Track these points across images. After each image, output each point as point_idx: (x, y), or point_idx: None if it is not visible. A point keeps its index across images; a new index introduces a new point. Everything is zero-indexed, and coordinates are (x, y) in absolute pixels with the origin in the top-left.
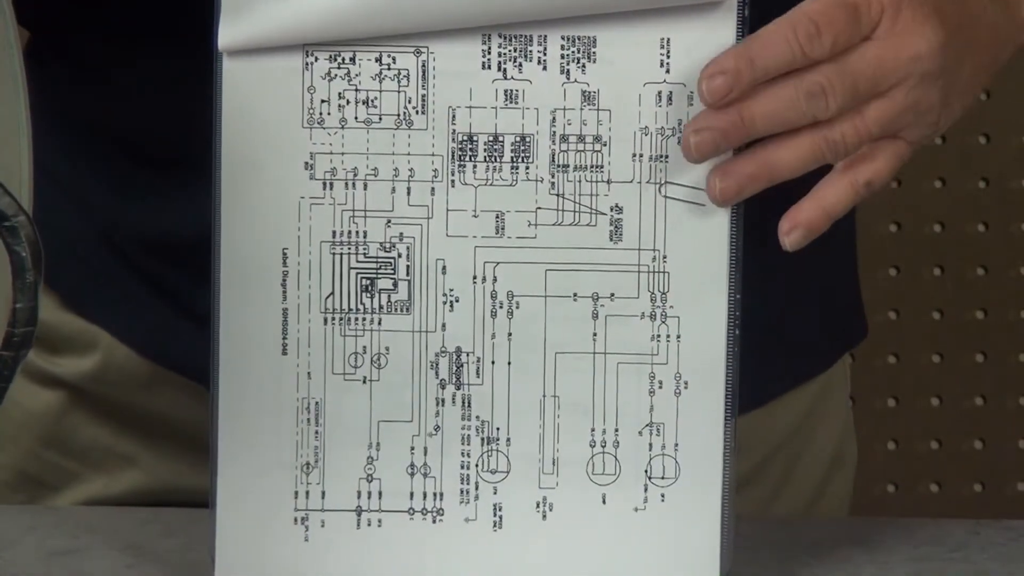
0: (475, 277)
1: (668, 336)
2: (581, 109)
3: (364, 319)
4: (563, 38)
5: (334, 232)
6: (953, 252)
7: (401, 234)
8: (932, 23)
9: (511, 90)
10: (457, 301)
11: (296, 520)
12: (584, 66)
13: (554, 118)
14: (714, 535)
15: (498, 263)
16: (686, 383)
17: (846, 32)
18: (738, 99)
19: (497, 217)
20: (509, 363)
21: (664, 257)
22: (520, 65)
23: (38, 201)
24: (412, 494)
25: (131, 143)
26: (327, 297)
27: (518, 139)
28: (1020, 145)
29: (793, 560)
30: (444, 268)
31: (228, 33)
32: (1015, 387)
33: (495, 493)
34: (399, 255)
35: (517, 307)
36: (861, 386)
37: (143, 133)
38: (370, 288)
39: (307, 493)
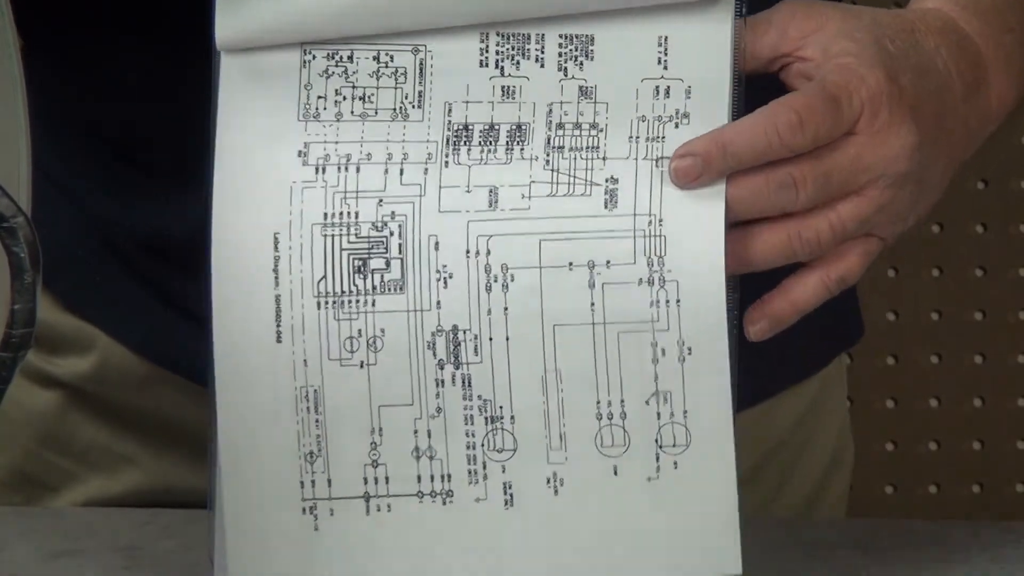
0: (468, 251)
1: (667, 301)
2: (578, 102)
3: (357, 301)
4: (561, 36)
5: (325, 214)
6: (952, 253)
7: (393, 212)
8: (908, 125)
9: (508, 86)
10: (451, 277)
11: (304, 510)
12: (582, 64)
13: (551, 109)
14: (731, 498)
15: (491, 236)
16: (689, 349)
17: (827, 125)
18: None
19: (490, 192)
20: (507, 338)
21: (660, 221)
22: (518, 63)
23: (35, 202)
24: (419, 477)
25: (126, 144)
26: (319, 281)
27: (514, 127)
28: (1019, 145)
29: (792, 561)
30: (437, 244)
31: (225, 31)
32: (1014, 388)
33: (504, 471)
34: (391, 233)
35: (512, 280)
36: (860, 387)
37: (138, 134)
38: (362, 269)
39: (313, 482)
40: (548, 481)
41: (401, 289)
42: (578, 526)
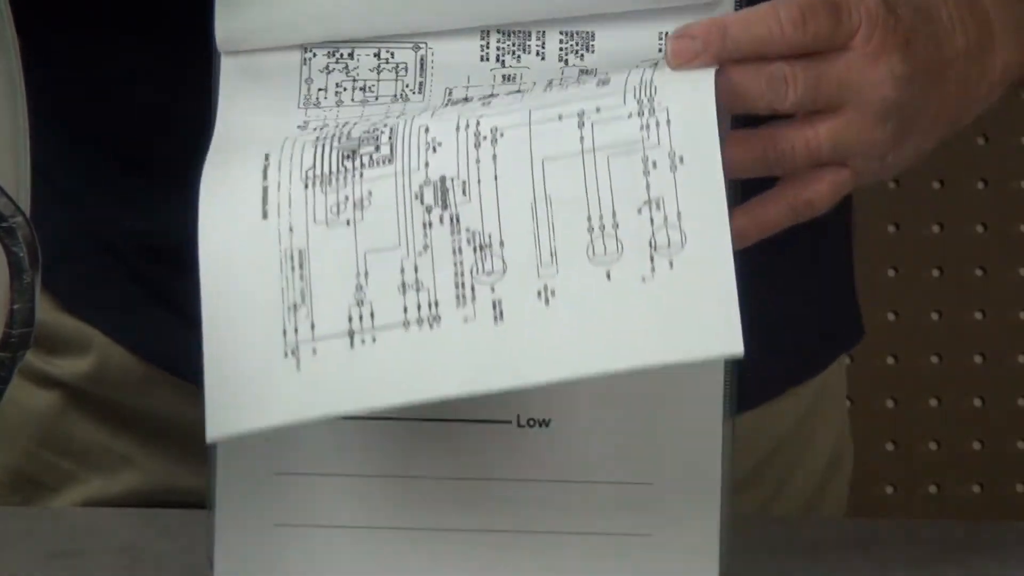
0: (458, 127)
1: (658, 124)
2: (578, 77)
3: (345, 177)
4: (561, 33)
5: (318, 137)
6: (952, 253)
7: (385, 124)
8: (899, 54)
9: (509, 74)
10: (440, 145)
11: (286, 354)
12: (583, 56)
13: (550, 82)
14: (730, 296)
15: (481, 116)
16: (681, 158)
17: (827, 28)
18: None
19: (484, 99)
20: (496, 177)
21: (651, 81)
22: (519, 57)
23: (34, 202)
24: (406, 308)
25: (125, 144)
26: (307, 170)
27: (513, 92)
28: (1019, 146)
29: (791, 561)
30: (427, 129)
31: (225, 33)
32: (1014, 388)
33: (493, 291)
34: (381, 133)
35: (502, 136)
36: (860, 387)
37: (138, 134)
38: (352, 157)
39: (296, 329)
40: (539, 294)
41: (390, 162)
42: (571, 331)
